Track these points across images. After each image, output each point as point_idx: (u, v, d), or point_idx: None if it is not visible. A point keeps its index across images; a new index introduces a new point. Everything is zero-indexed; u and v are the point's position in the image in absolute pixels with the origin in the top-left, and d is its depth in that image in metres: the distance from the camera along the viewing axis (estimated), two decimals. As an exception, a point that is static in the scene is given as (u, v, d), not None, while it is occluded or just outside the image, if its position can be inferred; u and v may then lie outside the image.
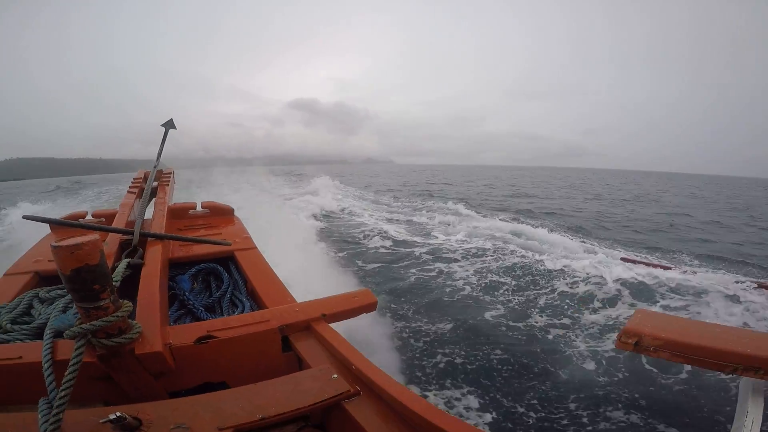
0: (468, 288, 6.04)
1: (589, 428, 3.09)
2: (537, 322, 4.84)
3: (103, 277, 0.86)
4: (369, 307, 1.43)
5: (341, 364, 1.09)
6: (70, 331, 0.90)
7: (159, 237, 1.76)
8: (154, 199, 2.52)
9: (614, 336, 4.26)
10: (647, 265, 6.84)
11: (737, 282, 5.85)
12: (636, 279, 6.09)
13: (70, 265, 0.81)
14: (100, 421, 0.77)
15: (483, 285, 6.19)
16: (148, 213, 2.23)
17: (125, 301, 0.97)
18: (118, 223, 1.92)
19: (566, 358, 4.04)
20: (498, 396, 3.46)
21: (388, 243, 8.97)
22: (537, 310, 5.24)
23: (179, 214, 2.50)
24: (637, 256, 7.89)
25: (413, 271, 6.91)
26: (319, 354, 1.16)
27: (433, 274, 6.78)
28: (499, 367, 3.90)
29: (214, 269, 1.81)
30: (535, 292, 5.88)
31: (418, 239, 9.27)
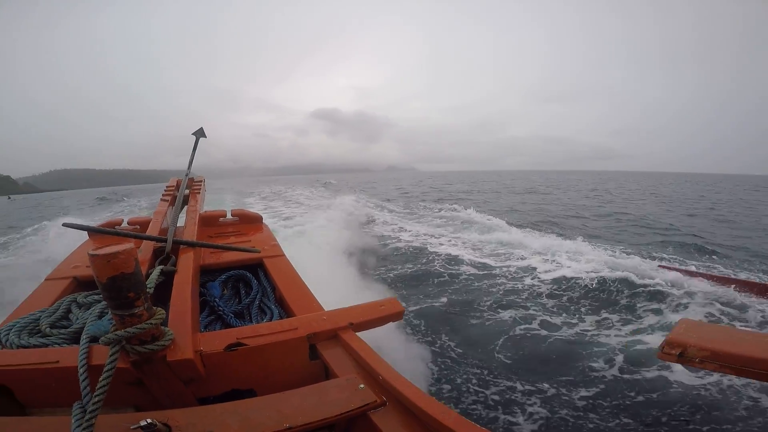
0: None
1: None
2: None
3: (137, 285, 0.88)
4: (396, 316, 1.41)
5: (368, 374, 1.07)
6: (105, 337, 0.92)
7: (191, 244, 1.81)
8: (185, 207, 2.60)
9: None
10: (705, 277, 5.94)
11: None
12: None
13: (106, 274, 0.83)
14: (131, 426, 0.78)
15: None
16: (180, 221, 2.30)
17: (159, 309, 0.99)
18: (152, 230, 1.98)
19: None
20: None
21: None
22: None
23: (210, 221, 2.57)
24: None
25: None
26: (345, 363, 1.15)
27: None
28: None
29: (243, 276, 1.83)
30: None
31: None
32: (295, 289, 1.67)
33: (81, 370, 0.93)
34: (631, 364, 3.76)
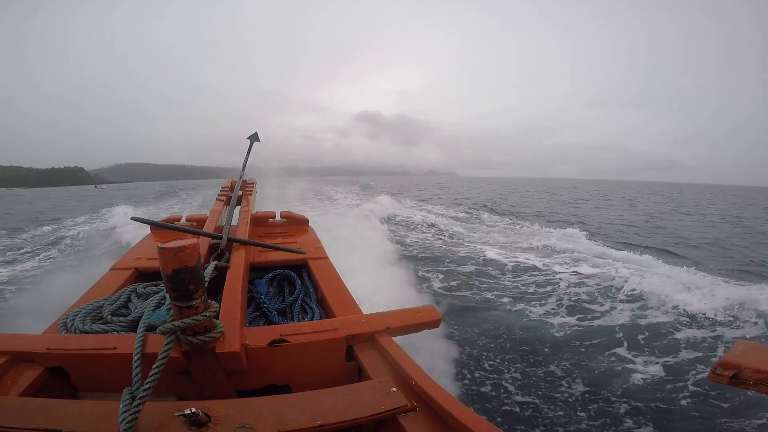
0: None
1: None
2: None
3: (197, 279, 0.93)
4: (433, 324, 1.40)
5: (401, 378, 1.08)
6: (163, 327, 0.96)
7: (243, 243, 1.90)
8: (238, 207, 2.75)
9: None
10: None
11: None
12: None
13: (172, 266, 0.87)
14: (175, 414, 0.81)
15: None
16: (233, 220, 2.44)
17: (213, 302, 1.04)
18: (208, 227, 2.11)
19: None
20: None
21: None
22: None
23: (260, 221, 2.71)
24: None
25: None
26: (379, 366, 1.16)
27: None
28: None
29: (288, 275, 1.91)
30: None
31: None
32: (336, 291, 1.71)
33: (135, 357, 0.97)
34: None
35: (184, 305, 0.94)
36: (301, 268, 2.02)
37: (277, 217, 2.78)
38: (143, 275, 1.90)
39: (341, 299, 1.65)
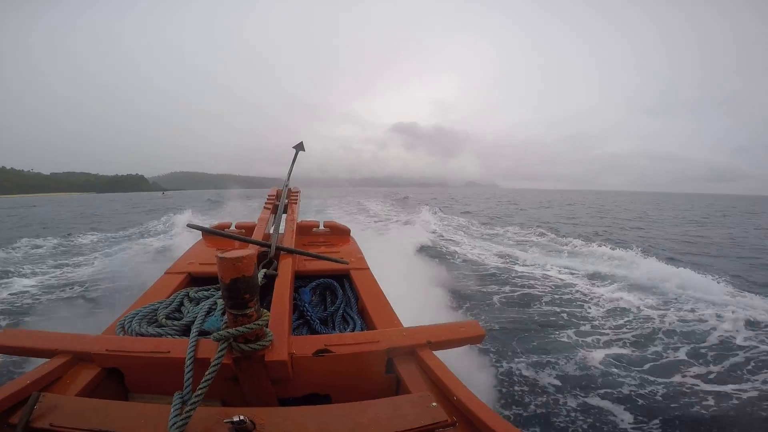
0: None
1: None
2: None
3: (253, 288, 0.95)
4: (475, 339, 1.37)
5: (441, 393, 1.07)
6: (218, 333, 0.98)
7: (290, 251, 1.94)
8: (284, 215, 2.85)
9: None
10: None
11: None
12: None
13: (230, 275, 0.90)
14: (224, 420, 0.83)
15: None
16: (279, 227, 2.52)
17: (265, 311, 1.06)
18: (257, 235, 2.18)
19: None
20: None
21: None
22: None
23: (304, 230, 2.78)
24: None
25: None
26: (419, 380, 1.14)
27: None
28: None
29: (330, 285, 1.93)
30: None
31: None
32: (377, 303, 1.72)
33: (188, 362, 0.98)
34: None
35: (239, 313, 0.96)
36: (343, 278, 2.04)
37: (321, 227, 2.84)
38: (196, 280, 1.97)
39: (382, 311, 1.65)
